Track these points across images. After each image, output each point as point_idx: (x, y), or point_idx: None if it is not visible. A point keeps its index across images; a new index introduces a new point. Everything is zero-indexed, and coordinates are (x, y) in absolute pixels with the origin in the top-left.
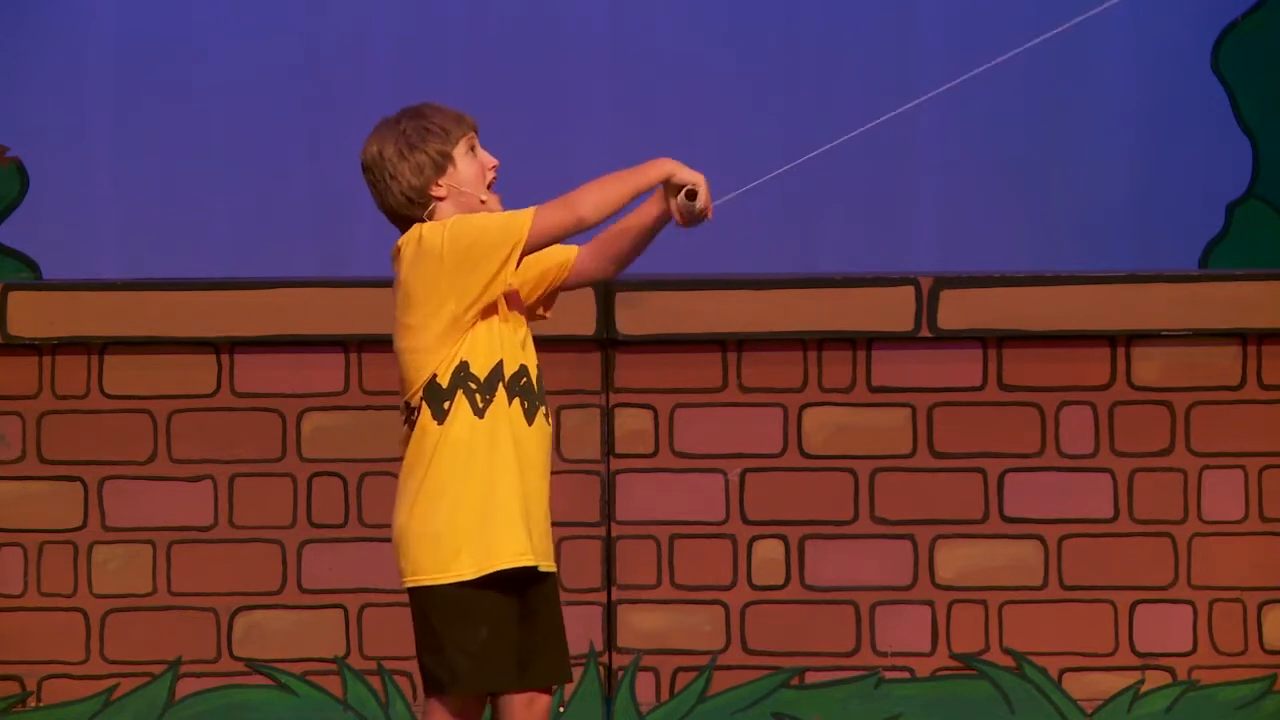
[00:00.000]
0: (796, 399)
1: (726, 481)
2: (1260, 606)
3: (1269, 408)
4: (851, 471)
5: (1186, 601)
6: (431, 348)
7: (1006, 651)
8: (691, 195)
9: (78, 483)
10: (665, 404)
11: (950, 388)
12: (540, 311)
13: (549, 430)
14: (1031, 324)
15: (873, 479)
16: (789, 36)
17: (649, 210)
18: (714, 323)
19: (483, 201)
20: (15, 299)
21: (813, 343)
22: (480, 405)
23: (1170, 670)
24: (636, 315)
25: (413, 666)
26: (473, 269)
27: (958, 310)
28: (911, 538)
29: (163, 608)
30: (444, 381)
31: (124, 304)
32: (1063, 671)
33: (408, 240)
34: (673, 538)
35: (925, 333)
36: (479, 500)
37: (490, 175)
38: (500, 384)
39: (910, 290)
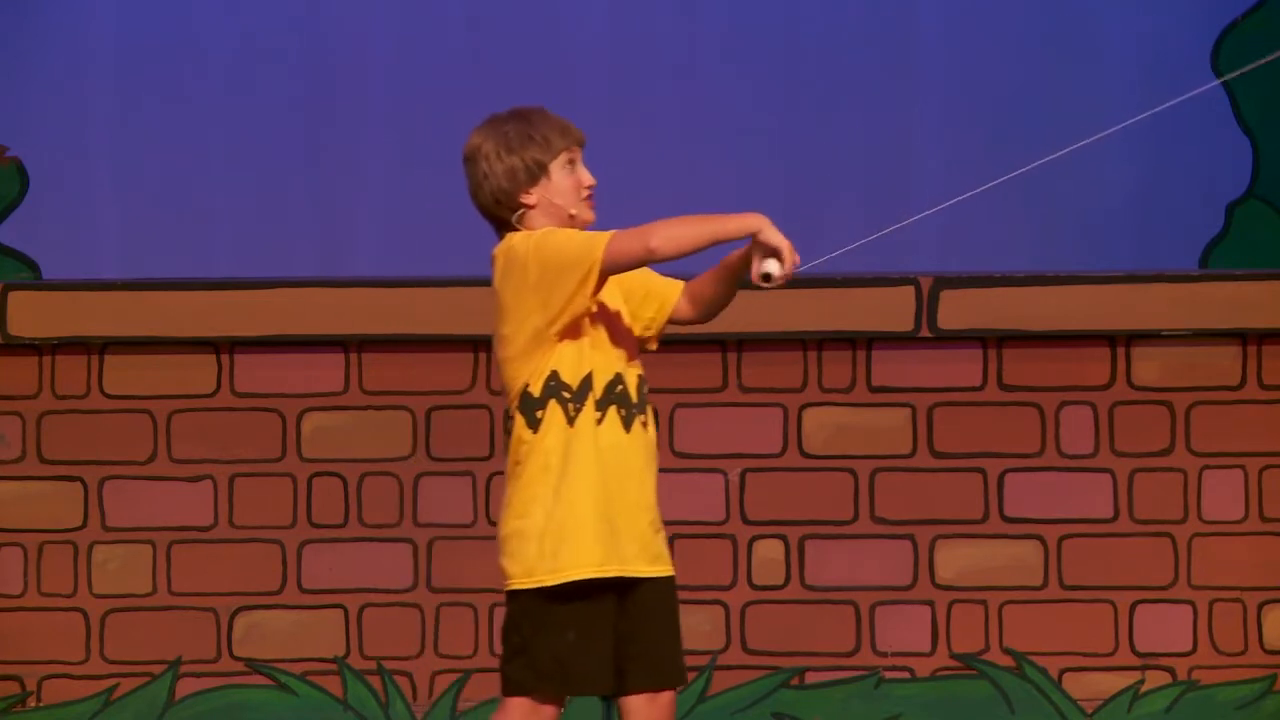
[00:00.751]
0: (796, 399)
1: (726, 481)
2: (1260, 606)
3: (1269, 408)
4: (851, 471)
5: (1186, 601)
6: (522, 357)
7: (1006, 651)
8: (767, 278)
9: (78, 483)
10: (665, 404)
11: (950, 388)
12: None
13: (650, 437)
14: (1031, 324)
15: (873, 479)
16: (789, 37)
17: (731, 273)
18: (714, 323)
19: (572, 215)
20: (15, 299)
21: (813, 343)
22: (572, 414)
23: (1170, 670)
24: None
25: (412, 666)
26: (553, 285)
27: (958, 310)
28: (911, 538)
29: (163, 608)
30: (536, 391)
31: (124, 304)
32: (1063, 671)
33: (502, 250)
34: (673, 538)
35: (925, 333)
36: (564, 509)
37: (585, 193)
38: (590, 394)
39: (910, 290)
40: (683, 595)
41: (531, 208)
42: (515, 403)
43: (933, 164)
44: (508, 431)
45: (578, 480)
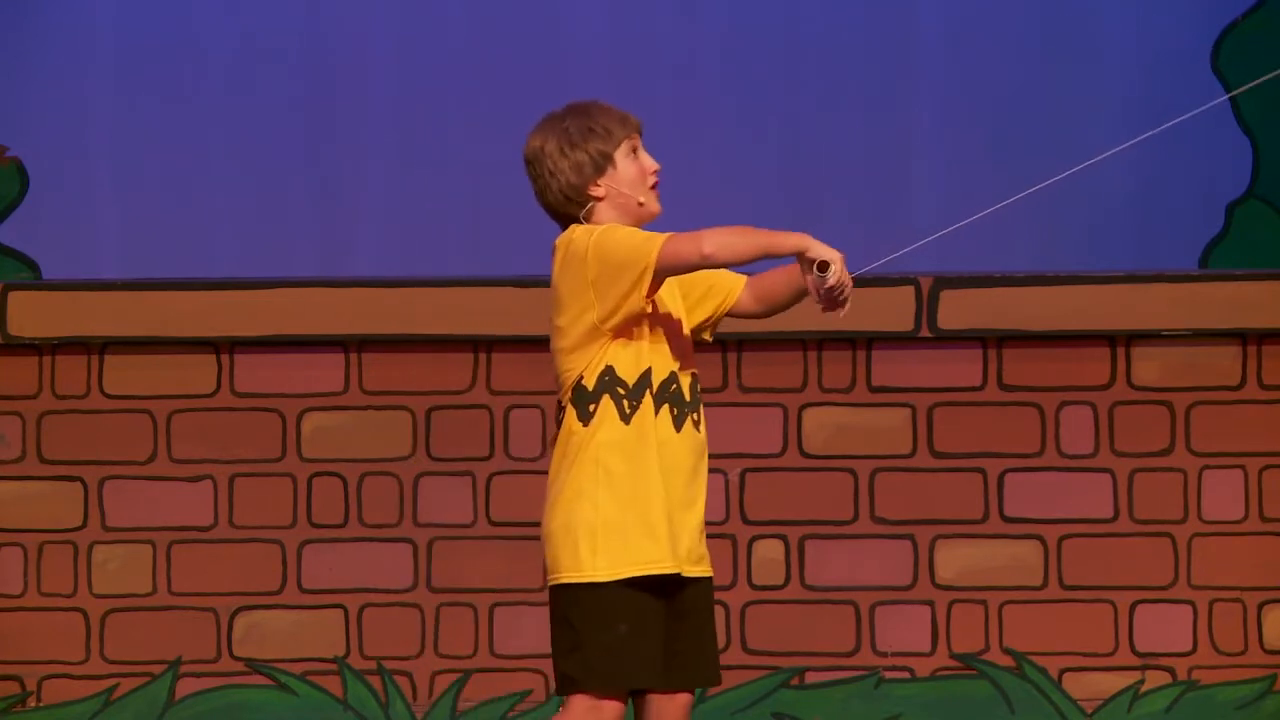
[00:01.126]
0: (796, 399)
1: (726, 481)
2: (1260, 606)
3: (1269, 408)
4: (851, 471)
5: (1186, 601)
6: (577, 350)
7: (1006, 651)
8: (824, 268)
9: (78, 483)
10: None
11: (950, 388)
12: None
13: (700, 437)
14: (1031, 324)
15: (873, 479)
16: (789, 37)
17: (795, 282)
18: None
19: (640, 204)
20: (15, 299)
21: (813, 343)
22: (628, 411)
23: (1170, 670)
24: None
25: (412, 666)
26: (611, 283)
27: (958, 310)
28: (911, 538)
29: (163, 608)
30: (590, 384)
31: (124, 304)
32: (1063, 671)
33: (562, 242)
34: None
35: (925, 333)
36: (620, 505)
37: (651, 179)
38: (648, 391)
39: (910, 290)
40: None
41: (601, 199)
42: (568, 395)
43: (933, 164)
44: (558, 423)
45: (634, 477)
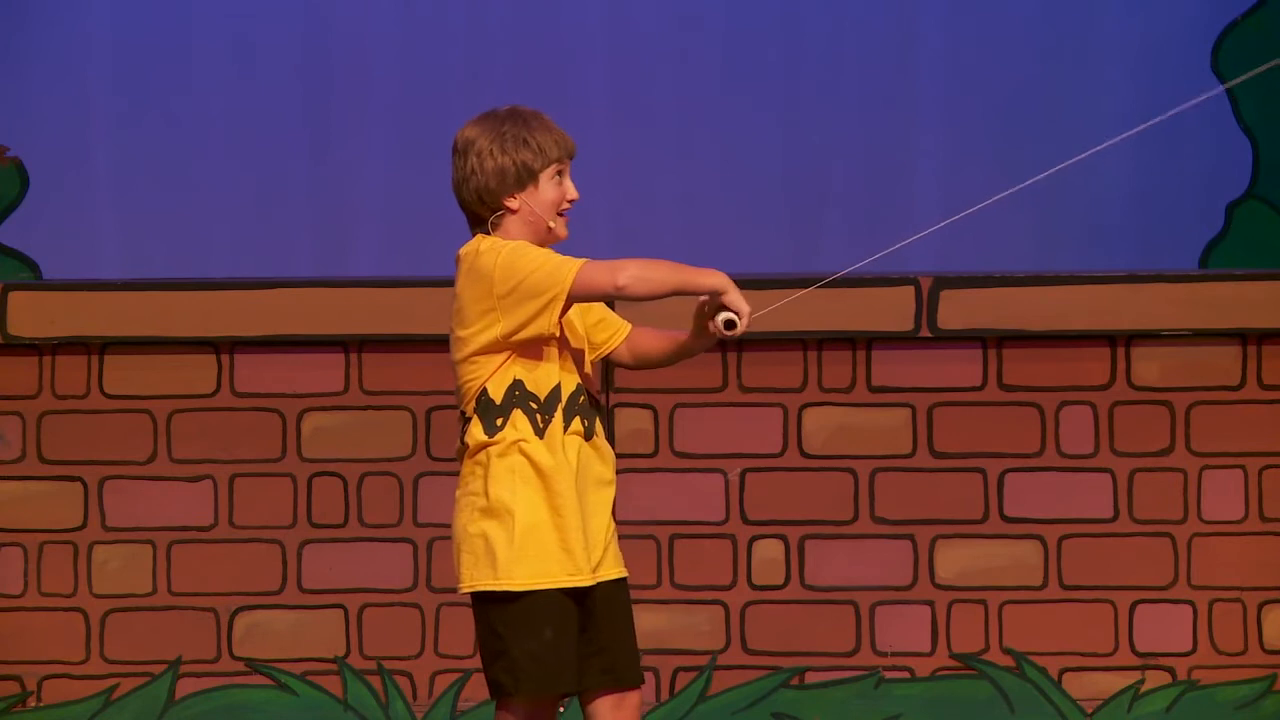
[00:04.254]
0: (796, 399)
1: (726, 481)
2: (1260, 606)
3: (1269, 408)
4: (851, 471)
5: (1186, 601)
6: (479, 361)
7: (1006, 651)
8: (730, 326)
9: (78, 483)
10: (665, 404)
11: (950, 388)
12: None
13: (606, 445)
14: (1031, 324)
15: (873, 479)
16: (789, 37)
17: (676, 343)
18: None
19: (550, 228)
20: (15, 299)
21: (813, 343)
22: (541, 425)
23: (1170, 670)
24: (636, 315)
25: (412, 666)
26: (518, 304)
27: (958, 310)
28: (911, 538)
29: (163, 608)
30: (497, 397)
31: (124, 304)
32: (1063, 671)
33: (468, 253)
34: (673, 538)
35: (925, 333)
36: (536, 515)
37: (565, 206)
38: (559, 405)
39: (910, 290)
40: (683, 595)
41: (513, 212)
42: (470, 405)
43: (933, 164)
44: (461, 434)
45: (547, 488)
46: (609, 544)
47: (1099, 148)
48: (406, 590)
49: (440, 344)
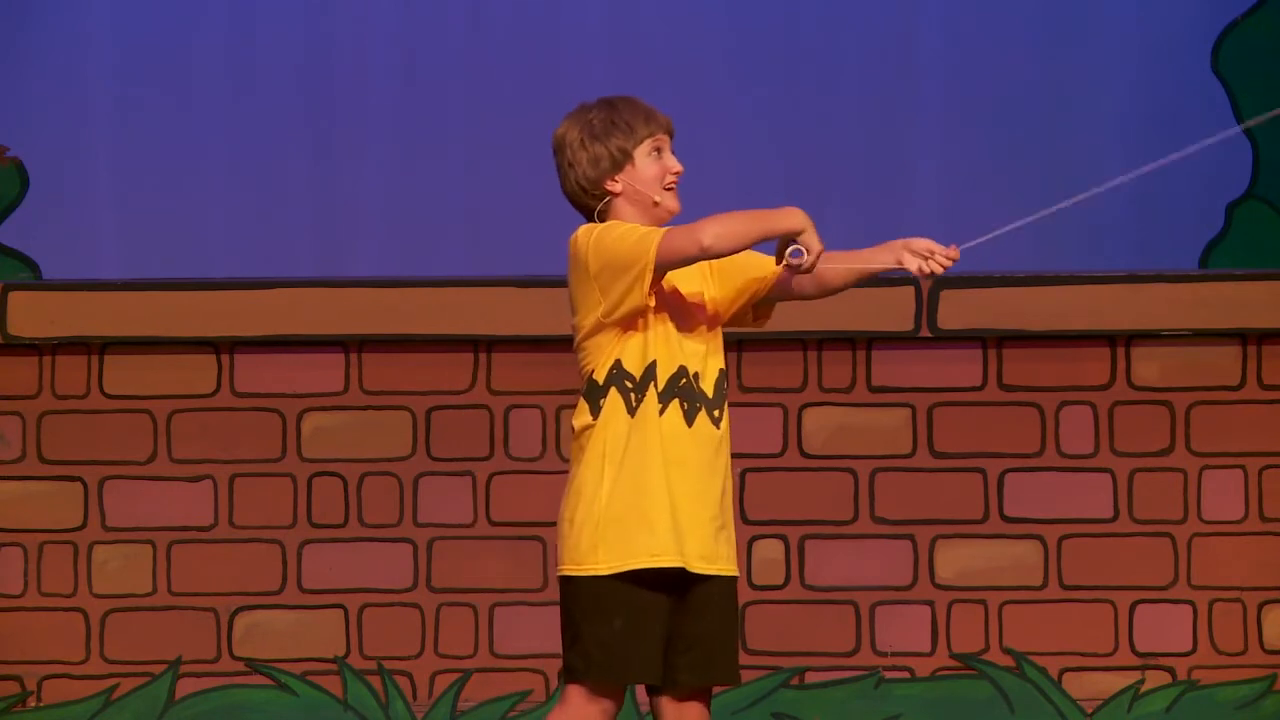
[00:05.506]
0: (796, 399)
1: None
2: (1260, 606)
3: (1269, 408)
4: (851, 471)
5: (1186, 601)
6: (590, 345)
7: (1006, 651)
8: (797, 255)
9: (78, 483)
10: None
11: (950, 388)
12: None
13: (716, 433)
14: (1031, 324)
15: (873, 479)
16: (789, 36)
17: (870, 260)
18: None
19: (656, 203)
20: (15, 299)
21: (813, 343)
22: (633, 404)
23: (1170, 670)
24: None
25: (412, 666)
26: (611, 282)
27: (958, 310)
28: (911, 538)
29: (163, 608)
30: (600, 378)
31: (124, 304)
32: (1063, 671)
33: (570, 242)
34: None
35: (925, 333)
36: (622, 498)
37: (671, 179)
38: (652, 384)
39: (910, 290)
40: None
41: (617, 195)
42: (583, 388)
43: (933, 164)
44: (577, 417)
45: (635, 470)
46: (716, 536)
47: (1128, 176)
48: (406, 590)
49: (440, 344)
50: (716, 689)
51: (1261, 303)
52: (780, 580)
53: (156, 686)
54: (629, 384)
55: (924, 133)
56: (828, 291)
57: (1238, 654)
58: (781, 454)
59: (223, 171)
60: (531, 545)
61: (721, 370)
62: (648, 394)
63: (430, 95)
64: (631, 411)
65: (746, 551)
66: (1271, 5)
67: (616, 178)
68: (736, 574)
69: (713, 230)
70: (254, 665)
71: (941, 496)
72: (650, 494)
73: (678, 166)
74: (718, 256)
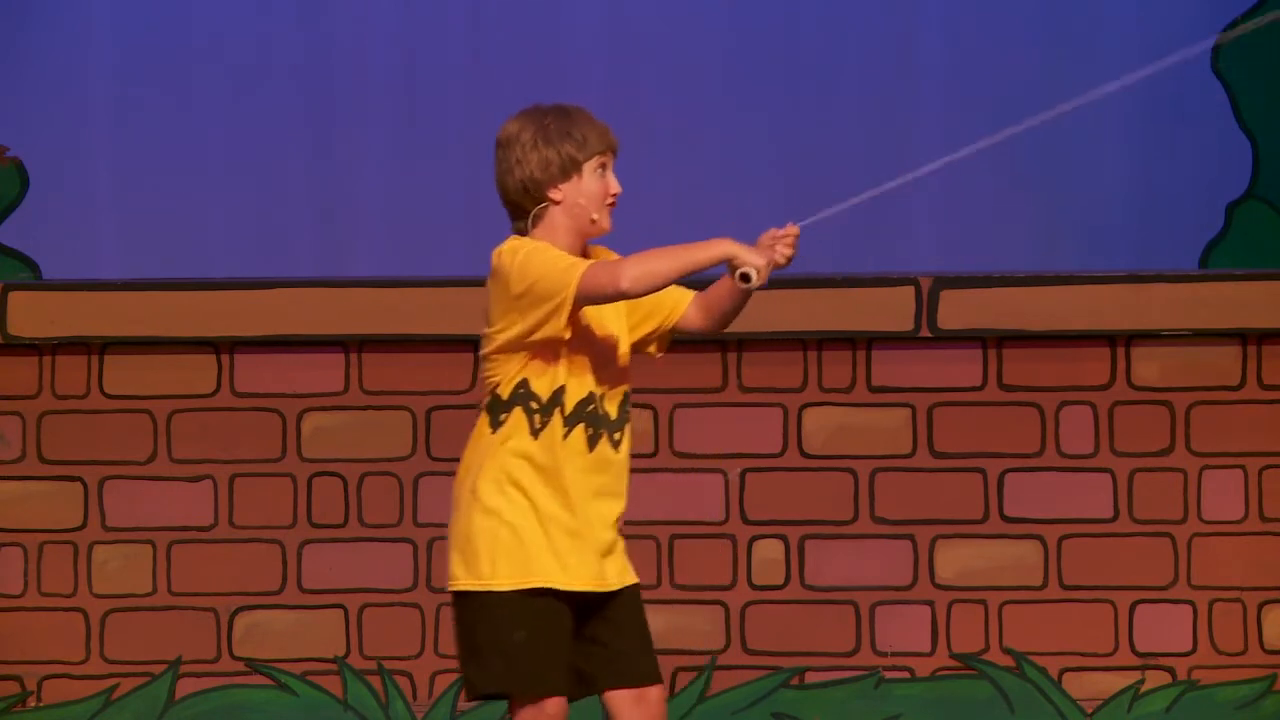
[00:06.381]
0: (796, 399)
1: (726, 481)
2: (1260, 606)
3: (1269, 408)
4: (851, 471)
5: (1186, 601)
6: (499, 359)
7: (1006, 651)
8: (746, 278)
9: (78, 483)
10: (665, 404)
11: (950, 388)
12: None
13: (617, 456)
14: (1031, 324)
15: (873, 479)
16: (789, 36)
17: (737, 290)
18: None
19: (593, 220)
20: (15, 299)
21: (813, 343)
22: (537, 425)
23: (1170, 670)
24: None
25: (412, 666)
26: (530, 307)
27: (958, 310)
28: (911, 538)
29: (163, 608)
30: (504, 394)
31: (124, 304)
32: (1063, 671)
33: (496, 254)
34: (673, 538)
35: (925, 333)
36: (524, 517)
37: (611, 199)
38: (558, 409)
39: (910, 290)
40: (683, 595)
41: (557, 203)
42: (485, 400)
43: (932, 163)
44: (475, 427)
45: (537, 492)
46: (616, 554)
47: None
48: (406, 590)
49: (440, 344)
50: (713, 690)
51: (1261, 303)
52: (780, 580)
53: (156, 686)
54: (534, 405)
55: (924, 133)
56: (722, 321)
57: (1238, 654)
58: (781, 454)
59: (223, 171)
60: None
61: (627, 393)
62: (554, 418)
63: (430, 95)
64: (535, 433)
65: (746, 551)
66: (1271, 5)
67: (561, 186)
68: (637, 581)
69: (632, 273)
70: (254, 665)
71: (941, 496)
72: (549, 517)
73: (618, 188)
74: (636, 297)
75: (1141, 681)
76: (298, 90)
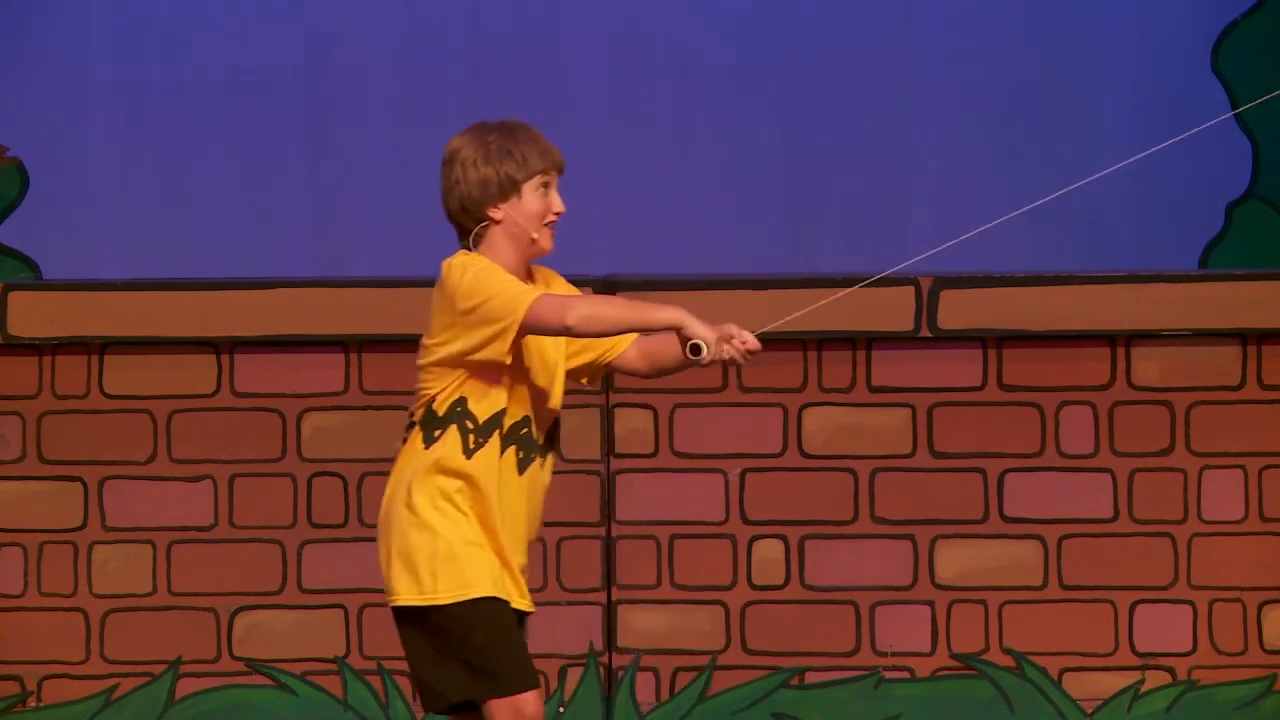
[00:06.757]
0: (796, 399)
1: (726, 481)
2: (1260, 606)
3: (1269, 408)
4: (851, 471)
5: (1186, 601)
6: (437, 372)
7: (1006, 651)
8: (696, 350)
9: (78, 483)
10: (665, 404)
11: (950, 388)
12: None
13: (543, 478)
14: (1031, 324)
15: (873, 479)
16: (789, 37)
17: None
18: (714, 323)
19: (533, 239)
20: (15, 299)
21: (813, 343)
22: (472, 446)
23: (1170, 670)
24: None
25: None
26: (474, 327)
27: (958, 310)
28: (911, 538)
29: (163, 608)
30: (440, 410)
31: (124, 304)
32: (1063, 671)
33: (445, 266)
34: (673, 538)
35: (925, 333)
36: (458, 536)
37: (552, 218)
38: (497, 431)
39: (910, 290)
40: (683, 595)
41: (497, 223)
42: (419, 414)
43: (933, 164)
44: (404, 438)
45: (471, 512)
46: (522, 578)
47: (1114, 167)
48: None
49: None
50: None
51: (1261, 303)
52: (780, 580)
53: (156, 686)
54: (470, 425)
55: (924, 132)
56: (658, 372)
57: (1238, 654)
58: (781, 454)
59: (222, 172)
60: (531, 545)
61: (558, 420)
62: (490, 440)
63: (430, 96)
64: (468, 453)
65: (746, 551)
66: (1271, 5)
67: (500, 206)
68: (532, 610)
69: (580, 312)
70: (254, 665)
71: (941, 496)
72: (484, 536)
73: (560, 207)
74: (578, 336)
75: (1141, 681)
76: (298, 90)
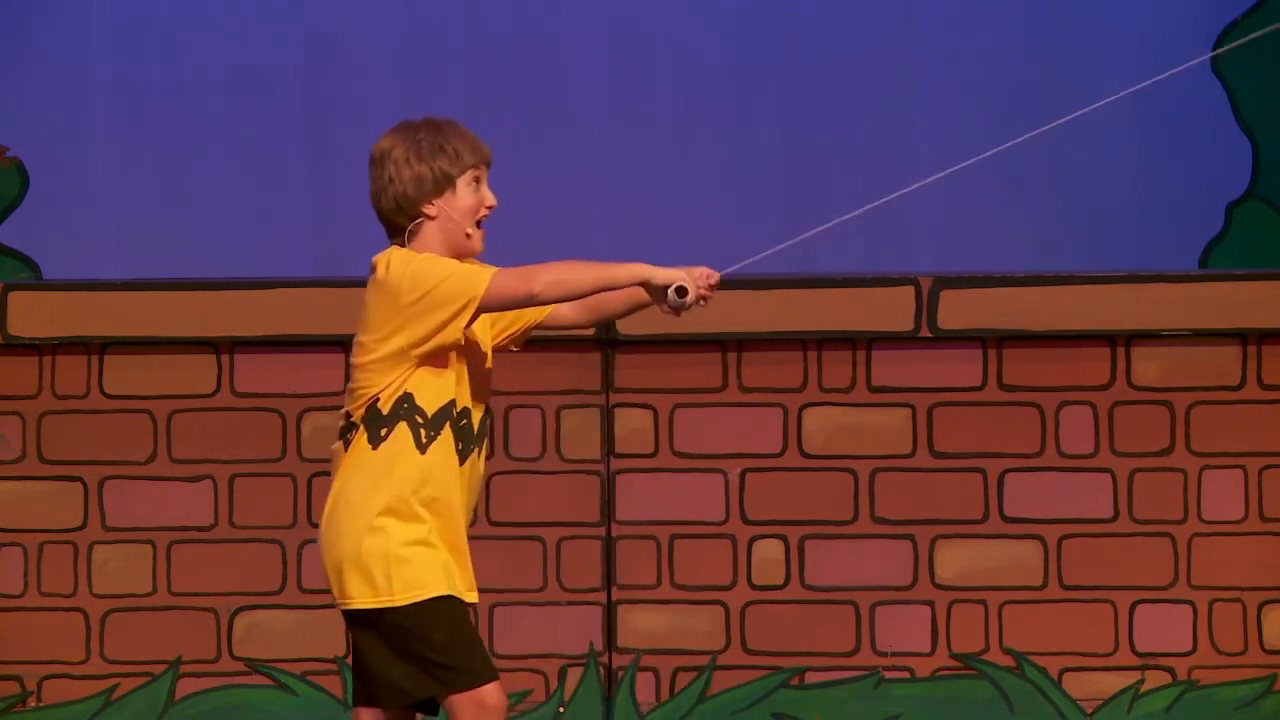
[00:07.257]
0: (796, 399)
1: (726, 481)
2: (1260, 606)
3: (1269, 408)
4: (851, 471)
5: (1186, 601)
6: (378, 370)
7: (1006, 651)
8: (681, 292)
9: (78, 483)
10: (665, 404)
11: (950, 388)
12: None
13: (479, 470)
14: (1031, 324)
15: (873, 479)
16: (789, 35)
17: (632, 296)
18: (714, 323)
19: (467, 235)
20: (15, 299)
21: (813, 343)
22: (424, 440)
23: (1170, 670)
24: (636, 315)
25: None
26: (425, 313)
27: (958, 310)
28: (911, 538)
29: (163, 608)
30: (385, 408)
31: (124, 304)
32: (1063, 671)
33: (380, 261)
34: (673, 538)
35: (925, 333)
36: (411, 535)
37: (485, 212)
38: (448, 422)
39: (910, 290)
40: (683, 595)
41: (431, 219)
42: (360, 413)
43: (933, 164)
44: (345, 439)
45: (420, 508)
46: (469, 568)
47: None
48: None
49: None
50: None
51: (1261, 303)
52: (780, 580)
53: (156, 686)
54: (420, 419)
55: (924, 131)
56: (602, 319)
57: (1238, 654)
58: (781, 454)
59: (222, 172)
60: (531, 545)
61: (488, 407)
62: (442, 432)
63: (430, 96)
64: (421, 448)
65: (746, 551)
66: (1271, 5)
67: (435, 202)
68: (476, 601)
69: (546, 278)
70: (254, 665)
71: (941, 496)
72: (437, 532)
73: (493, 200)
74: (543, 304)
75: (1141, 681)
76: (298, 90)
